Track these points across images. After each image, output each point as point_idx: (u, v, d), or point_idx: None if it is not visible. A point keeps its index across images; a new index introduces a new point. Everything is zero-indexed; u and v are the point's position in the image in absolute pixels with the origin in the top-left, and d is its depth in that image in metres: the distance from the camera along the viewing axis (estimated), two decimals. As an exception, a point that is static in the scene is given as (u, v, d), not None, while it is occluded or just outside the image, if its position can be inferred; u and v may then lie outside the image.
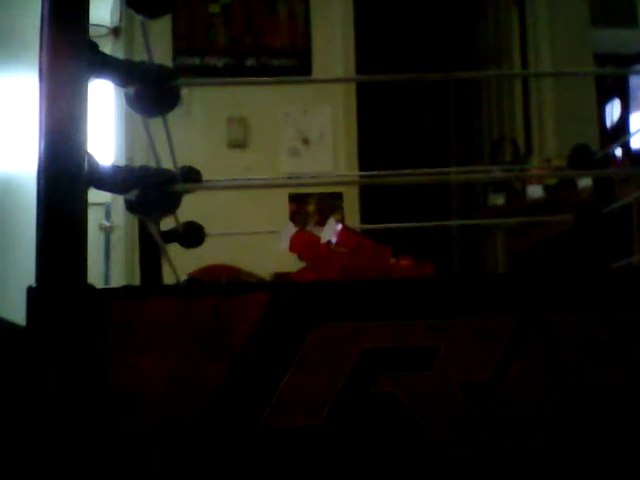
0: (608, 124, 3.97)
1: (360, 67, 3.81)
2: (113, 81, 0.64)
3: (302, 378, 0.57)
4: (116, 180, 0.66)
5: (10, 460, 0.79)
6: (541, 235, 2.85)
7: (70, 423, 0.55)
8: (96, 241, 3.89)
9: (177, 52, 3.70)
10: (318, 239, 0.98)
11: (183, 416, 0.56)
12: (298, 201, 3.61)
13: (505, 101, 4.18)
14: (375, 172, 1.99)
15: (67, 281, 0.56)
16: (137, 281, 1.33)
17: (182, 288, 0.76)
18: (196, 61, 3.71)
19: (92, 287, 0.57)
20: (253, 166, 3.53)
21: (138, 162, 0.74)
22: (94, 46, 0.60)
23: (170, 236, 1.11)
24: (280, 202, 3.57)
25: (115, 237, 3.86)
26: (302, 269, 0.97)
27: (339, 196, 3.65)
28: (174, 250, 1.09)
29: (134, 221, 2.36)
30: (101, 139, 3.71)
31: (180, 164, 1.00)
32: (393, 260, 0.97)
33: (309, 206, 3.63)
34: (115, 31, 3.74)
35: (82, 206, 0.58)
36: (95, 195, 0.63)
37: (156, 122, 0.74)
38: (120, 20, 3.68)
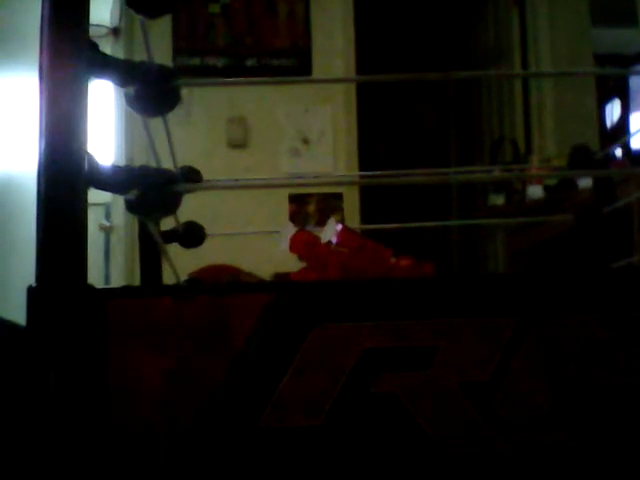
0: (608, 124, 3.97)
1: (360, 67, 3.81)
2: (113, 81, 0.64)
3: (302, 378, 0.57)
4: (116, 180, 0.66)
5: (11, 460, 0.79)
6: (541, 235, 2.85)
7: (70, 422, 0.55)
8: (96, 241, 3.89)
9: (177, 52, 3.70)
10: (318, 239, 0.98)
11: (183, 416, 0.56)
12: (298, 201, 3.61)
13: (505, 101, 4.18)
14: (375, 172, 1.99)
15: (67, 281, 0.56)
16: (137, 281, 1.33)
17: (182, 288, 0.76)
18: (196, 61, 3.71)
19: (92, 287, 0.57)
20: (253, 166, 3.53)
21: (138, 162, 0.74)
22: (94, 46, 0.60)
23: (170, 236, 1.11)
24: (280, 202, 3.57)
25: (115, 237, 3.86)
26: (302, 269, 0.97)
27: (339, 196, 3.65)
28: (174, 250, 1.09)
29: (134, 221, 2.36)
30: (101, 139, 3.71)
31: (180, 164, 1.00)
32: (393, 260, 0.97)
33: (309, 206, 3.63)
34: (115, 31, 3.74)
35: (82, 206, 0.58)
36: (95, 195, 0.63)
37: (156, 122, 0.74)
38: (120, 20, 3.68)
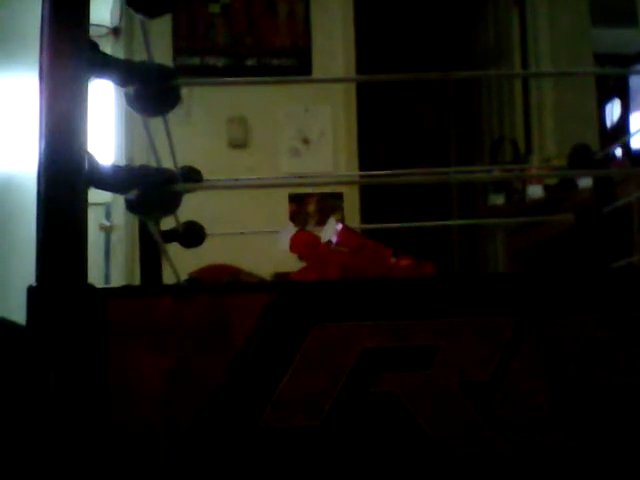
0: (608, 124, 3.97)
1: (360, 66, 3.81)
2: (113, 81, 0.64)
3: (302, 378, 0.57)
4: (116, 180, 0.66)
5: (11, 460, 0.79)
6: (541, 235, 2.85)
7: (70, 422, 0.55)
8: (96, 241, 3.89)
9: (177, 52, 3.70)
10: (318, 239, 0.98)
11: (183, 416, 0.56)
12: (298, 201, 3.61)
13: (505, 101, 4.18)
14: (375, 172, 1.99)
15: (67, 281, 0.56)
16: (137, 281, 1.33)
17: (182, 288, 0.76)
18: (196, 61, 3.71)
19: (92, 287, 0.57)
20: (253, 166, 3.53)
21: (138, 162, 0.74)
22: (94, 46, 0.60)
23: (170, 236, 1.11)
24: (280, 202, 3.57)
25: (115, 237, 3.86)
26: (302, 269, 0.97)
27: (339, 196, 3.65)
28: (174, 250, 1.09)
29: (134, 221, 2.36)
30: (101, 139, 3.71)
31: (180, 164, 1.00)
32: (393, 260, 0.97)
33: (309, 206, 3.63)
34: (115, 31, 3.74)
35: (82, 206, 0.58)
36: (95, 195, 0.63)
37: (156, 122, 0.74)
38: (120, 20, 3.68)
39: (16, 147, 2.24)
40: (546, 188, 3.16)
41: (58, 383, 0.55)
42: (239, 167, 3.49)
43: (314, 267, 0.96)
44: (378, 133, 5.10)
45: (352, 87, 3.75)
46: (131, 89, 0.64)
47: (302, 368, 0.57)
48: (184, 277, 1.09)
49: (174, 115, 0.68)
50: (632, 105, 3.58)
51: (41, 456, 0.55)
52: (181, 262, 1.06)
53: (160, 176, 0.68)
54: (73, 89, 0.57)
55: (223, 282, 1.06)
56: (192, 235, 1.15)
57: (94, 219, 3.78)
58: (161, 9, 0.63)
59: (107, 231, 3.96)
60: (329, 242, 0.96)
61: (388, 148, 5.14)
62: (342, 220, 3.23)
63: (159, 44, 3.46)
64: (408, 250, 1.02)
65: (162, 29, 3.60)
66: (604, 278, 0.61)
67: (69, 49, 0.57)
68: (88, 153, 0.58)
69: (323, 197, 3.62)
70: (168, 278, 1.08)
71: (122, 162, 3.27)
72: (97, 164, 0.62)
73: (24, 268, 0.82)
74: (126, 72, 0.64)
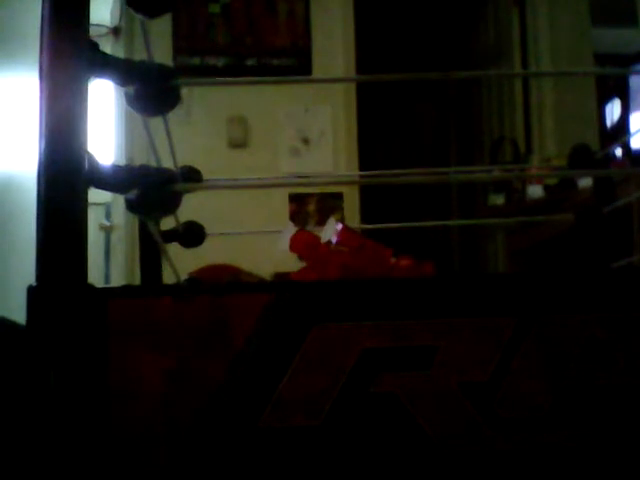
0: (608, 124, 3.97)
1: (360, 66, 3.81)
2: (113, 81, 0.64)
3: (302, 378, 0.57)
4: (116, 180, 0.66)
5: (11, 460, 0.79)
6: (541, 235, 2.85)
7: (70, 422, 0.55)
8: (96, 241, 3.89)
9: (177, 52, 3.70)
10: (318, 239, 0.98)
11: (183, 416, 0.56)
12: (298, 201, 3.61)
13: (505, 101, 4.18)
14: (375, 172, 1.99)
15: (67, 281, 0.56)
16: (137, 281, 1.33)
17: (182, 288, 0.76)
18: (196, 61, 3.71)
19: (92, 287, 0.57)
20: (253, 166, 3.53)
21: (138, 162, 0.74)
22: (94, 46, 0.60)
23: (170, 236, 1.11)
24: (280, 202, 3.58)
25: (115, 237, 3.86)
26: (302, 269, 0.97)
27: (339, 196, 3.65)
28: (174, 250, 1.09)
29: (134, 221, 2.36)
30: (101, 139, 3.71)
31: (180, 164, 1.00)
32: (393, 260, 0.97)
33: (309, 206, 3.63)
34: (115, 31, 3.74)
35: (82, 206, 0.58)
36: (95, 195, 0.63)
37: (156, 122, 0.74)
38: (120, 20, 3.68)
39: (16, 147, 2.24)
40: (546, 188, 3.16)
41: (58, 383, 0.55)
42: (239, 167, 3.49)
43: (314, 267, 0.96)
44: (378, 133, 5.10)
45: (352, 87, 3.75)
46: (131, 89, 0.64)
47: (302, 368, 0.57)
48: (184, 277, 1.09)
49: (174, 115, 0.68)
50: (632, 105, 3.58)
51: (41, 456, 0.55)
52: (181, 262, 1.06)
53: (160, 176, 0.68)
54: (73, 89, 0.57)
55: (223, 282, 1.06)
56: (192, 235, 1.15)
57: (94, 219, 3.78)
58: (161, 9, 0.63)
59: (107, 231, 3.96)
60: (329, 242, 0.96)
61: (388, 148, 5.14)
62: (342, 220, 3.23)
63: (159, 44, 3.46)
64: (408, 250, 1.02)
65: (162, 29, 3.60)
66: (604, 278, 0.61)
67: (69, 49, 0.57)
68: (88, 153, 0.58)
69: (323, 197, 3.62)
70: (168, 278, 1.08)
71: (122, 162, 3.27)
72: (97, 164, 0.62)
73: (24, 268, 0.82)
74: (126, 72, 0.64)
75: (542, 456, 0.58)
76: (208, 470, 0.56)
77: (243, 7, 3.76)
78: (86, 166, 0.58)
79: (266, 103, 3.62)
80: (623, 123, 3.75)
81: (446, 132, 5.26)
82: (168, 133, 0.84)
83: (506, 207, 3.41)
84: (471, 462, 0.57)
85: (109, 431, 0.55)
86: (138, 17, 0.64)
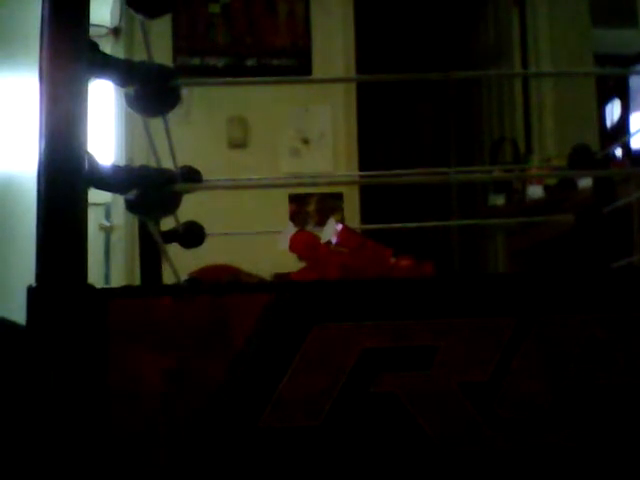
0: (608, 124, 3.97)
1: (360, 66, 3.81)
2: (113, 81, 0.64)
3: (302, 378, 0.57)
4: (116, 180, 0.66)
5: (11, 460, 0.79)
6: (541, 235, 2.85)
7: (70, 422, 0.55)
8: (96, 241, 3.89)
9: (177, 52, 3.70)
10: (318, 239, 0.98)
11: (183, 416, 0.56)
12: (298, 201, 3.61)
13: (505, 101, 4.18)
14: (375, 172, 1.99)
15: (67, 281, 0.56)
16: (137, 281, 1.33)
17: (182, 288, 0.76)
18: (196, 61, 3.71)
19: (92, 287, 0.57)
20: (253, 166, 3.53)
21: (138, 162, 0.74)
22: (94, 46, 0.60)
23: (170, 236, 1.11)
24: (280, 202, 3.57)
25: (115, 237, 3.86)
26: (302, 269, 0.97)
27: (339, 196, 3.65)
28: (174, 250, 1.09)
29: (134, 221, 2.36)
30: (101, 139, 3.71)
31: (180, 164, 1.00)
32: (393, 260, 0.97)
33: (309, 206, 3.63)
34: (115, 31, 3.74)
35: (82, 206, 0.58)
36: (95, 195, 0.63)
37: (156, 122, 0.74)
38: (120, 20, 3.68)
39: (16, 147, 2.24)
40: (546, 188, 3.16)
41: (58, 383, 0.55)
42: (239, 167, 3.49)
43: (314, 267, 0.96)
44: (378, 133, 5.10)
45: (352, 87, 3.75)
46: (131, 89, 0.64)
47: (302, 368, 0.57)
48: (184, 277, 1.09)
49: (174, 115, 0.68)
50: (632, 105, 3.58)
51: (41, 456, 0.55)
52: (181, 262, 1.06)
53: (160, 176, 0.68)
54: (73, 90, 0.57)
55: (223, 282, 1.06)
56: (192, 235, 1.15)
57: (94, 219, 3.78)
58: (161, 9, 0.63)
59: (107, 231, 3.96)
60: (329, 242, 0.96)
61: (388, 148, 5.14)
62: (342, 220, 3.23)
63: (159, 44, 3.46)
64: (408, 250, 1.02)
65: (162, 29, 3.60)
66: (604, 278, 0.61)
67: (69, 49, 0.57)
68: (88, 153, 0.58)
69: (323, 197, 3.62)
70: (168, 278, 1.08)
71: (122, 162, 3.27)
72: (97, 164, 0.62)
73: (24, 268, 0.82)
74: (126, 72, 0.64)
75: (542, 456, 0.58)
76: (208, 470, 0.56)
77: (243, 7, 3.76)
78: (86, 166, 0.58)
79: (266, 103, 3.62)
80: (623, 123, 3.75)
81: (446, 132, 5.26)
82: (168, 133, 0.84)
83: (506, 207, 3.40)
84: (471, 462, 0.57)
85: (109, 431, 0.55)
86: (138, 17, 0.64)
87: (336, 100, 3.73)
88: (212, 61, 3.72)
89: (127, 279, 3.38)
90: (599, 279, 0.61)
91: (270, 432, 0.56)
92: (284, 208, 3.59)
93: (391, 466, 0.57)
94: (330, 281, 0.85)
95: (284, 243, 0.98)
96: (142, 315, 0.57)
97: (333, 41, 3.79)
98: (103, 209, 3.95)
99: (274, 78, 3.67)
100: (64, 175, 0.57)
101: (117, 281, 3.62)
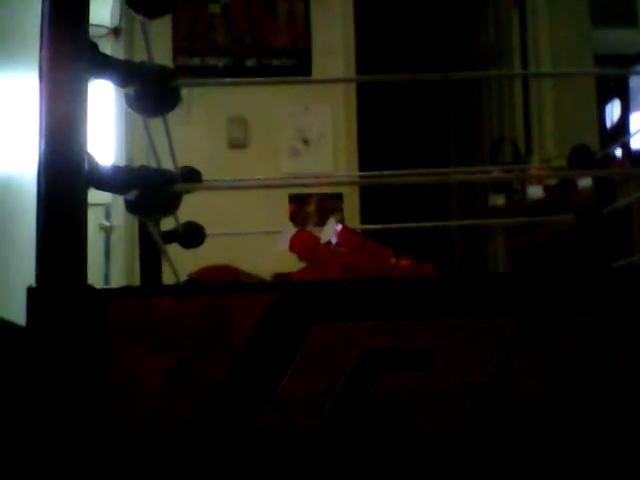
0: (608, 124, 3.97)
1: (360, 66, 3.81)
2: (113, 81, 0.64)
3: (302, 378, 0.57)
4: (116, 180, 0.66)
5: (11, 460, 0.79)
6: (541, 235, 2.85)
7: (70, 422, 0.55)
8: (96, 241, 3.89)
9: (177, 52, 3.70)
10: (318, 239, 0.98)
11: (183, 416, 0.56)
12: (298, 202, 3.61)
13: (505, 101, 4.17)
14: (375, 172, 1.99)
15: (67, 281, 0.56)
16: (137, 281, 1.33)
17: (182, 288, 0.76)
18: (196, 61, 3.71)
19: (92, 287, 0.57)
20: (253, 166, 3.53)
21: (138, 162, 0.74)
22: (94, 46, 0.60)
23: (170, 236, 1.11)
24: (280, 202, 3.57)
25: (115, 237, 3.86)
26: (302, 269, 0.97)
27: (339, 197, 3.65)
28: (174, 250, 1.09)
29: (134, 221, 2.36)
30: (101, 139, 3.71)
31: (180, 164, 1.00)
32: (393, 260, 0.97)
33: (309, 207, 3.63)
34: (115, 31, 3.74)
35: (82, 206, 0.58)
36: (95, 195, 0.63)
37: (156, 122, 0.74)
38: (120, 20, 3.68)
39: (16, 147, 2.24)
40: (546, 188, 3.15)
41: (58, 383, 0.55)
42: (239, 167, 3.49)
43: (314, 267, 0.96)
44: (378, 133, 5.11)
45: (352, 87, 3.75)
46: (131, 90, 0.65)
47: (302, 368, 0.57)
48: (184, 278, 1.09)
49: (174, 115, 0.68)
50: (632, 105, 3.58)
51: (41, 456, 0.55)
52: (181, 262, 1.06)
53: (160, 177, 0.68)
54: (73, 89, 0.57)
55: (223, 282, 1.06)
56: (192, 235, 1.15)
57: (94, 219, 3.78)
58: (161, 9, 0.63)
59: (107, 231, 3.96)
60: (329, 242, 0.96)
61: (388, 148, 5.14)
62: (342, 220, 3.23)
63: (159, 44, 3.46)
64: (408, 250, 1.02)
65: (162, 29, 3.60)
66: (604, 278, 0.61)
67: (69, 49, 0.57)
68: (88, 153, 0.58)
69: (323, 197, 3.62)
70: (168, 278, 1.08)
71: (122, 162, 3.27)
72: (97, 164, 0.62)
73: (24, 268, 0.82)
74: (126, 73, 0.64)
75: (542, 456, 0.58)
76: (208, 470, 0.56)
77: (243, 7, 3.76)
78: (86, 167, 0.58)
79: (266, 103, 3.62)
80: (623, 123, 3.75)
81: (446, 132, 5.26)
82: (168, 134, 0.84)
83: (506, 208, 3.40)
84: (471, 462, 0.57)
85: (109, 431, 0.55)
86: (138, 18, 0.64)
87: (336, 100, 3.73)
88: (212, 61, 3.72)
89: (127, 279, 3.38)
90: (599, 279, 0.61)
91: (270, 432, 0.56)
92: (284, 208, 3.59)
93: (391, 466, 0.57)
94: (330, 281, 0.85)
95: (284, 243, 0.98)
96: (142, 315, 0.57)
97: (333, 41, 3.79)
98: (103, 209, 3.94)
99: (274, 78, 3.68)
100: (64, 175, 0.57)
101: (117, 281, 3.62)
